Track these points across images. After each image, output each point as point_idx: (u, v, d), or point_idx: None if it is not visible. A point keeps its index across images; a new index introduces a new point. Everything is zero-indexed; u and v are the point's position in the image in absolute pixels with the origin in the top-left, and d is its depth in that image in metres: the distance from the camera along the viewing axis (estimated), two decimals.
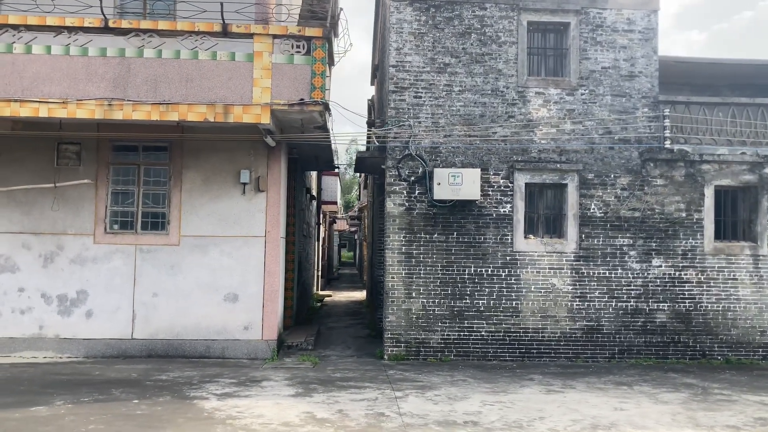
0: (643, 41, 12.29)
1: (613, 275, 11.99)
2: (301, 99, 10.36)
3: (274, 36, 10.49)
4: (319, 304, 21.69)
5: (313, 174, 21.54)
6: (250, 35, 10.46)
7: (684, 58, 14.03)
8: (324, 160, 15.88)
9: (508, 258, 11.93)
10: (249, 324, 11.59)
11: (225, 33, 10.42)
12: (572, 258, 11.97)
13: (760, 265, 12.13)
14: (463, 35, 12.15)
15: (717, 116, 12.41)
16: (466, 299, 11.86)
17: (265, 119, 10.35)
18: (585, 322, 11.92)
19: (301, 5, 11.92)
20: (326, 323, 17.30)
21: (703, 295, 12.06)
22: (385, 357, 11.75)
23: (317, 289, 25.81)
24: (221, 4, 10.27)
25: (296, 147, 13.26)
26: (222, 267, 11.62)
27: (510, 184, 12.01)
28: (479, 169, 11.81)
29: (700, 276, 12.07)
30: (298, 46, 10.50)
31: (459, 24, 12.15)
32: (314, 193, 21.20)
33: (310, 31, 10.56)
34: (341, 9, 12.07)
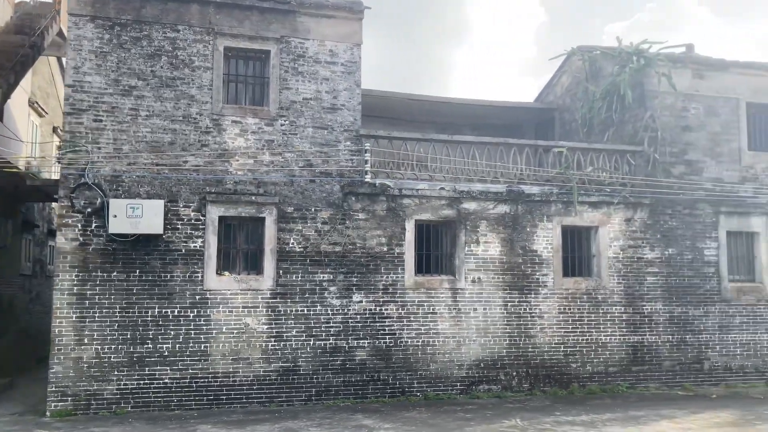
0: (345, 74, 12.16)
1: (311, 312, 11.51)
2: None
3: None
4: None
5: None
6: None
7: (384, 92, 14.28)
8: None
9: (197, 297, 11.04)
10: None
11: None
12: (269, 295, 11.34)
13: (458, 299, 12.25)
14: (152, 57, 11.28)
15: (419, 152, 12.53)
16: (148, 344, 10.77)
17: None
18: (281, 364, 11.28)
19: None
20: None
21: (403, 330, 11.93)
22: (48, 414, 10.29)
23: None
24: None
25: None
26: None
27: (202, 218, 11.20)
28: (163, 201, 10.90)
29: (400, 311, 11.94)
30: None
31: (148, 45, 11.28)
32: None
33: None
34: None
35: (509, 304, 12.50)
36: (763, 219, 14.05)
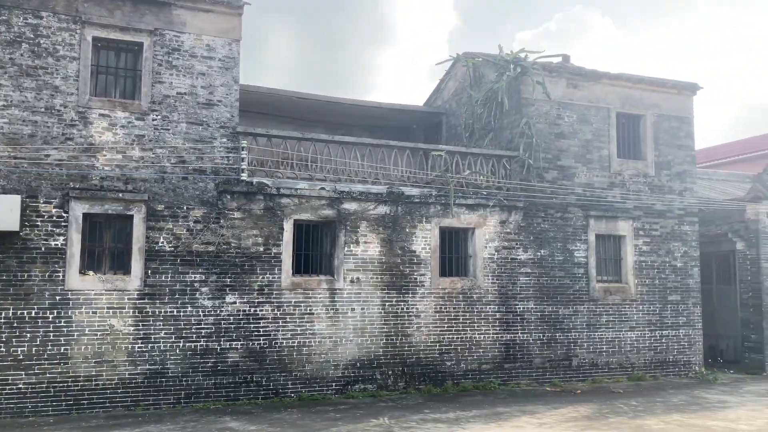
0: (223, 69, 11.93)
1: (182, 313, 11.21)
2: None
3: None
4: None
5: None
6: None
7: (271, 89, 14.19)
8: None
9: (58, 298, 10.52)
10: None
11: None
12: (136, 296, 10.95)
13: (336, 299, 12.28)
14: (11, 44, 10.66)
15: (299, 151, 12.47)
16: (1, 347, 10.15)
17: None
18: (148, 366, 10.93)
19: None
20: None
21: (278, 331, 11.83)
22: None
23: None
24: None
25: None
26: None
27: (65, 214, 10.68)
28: (20, 196, 10.31)
29: (276, 312, 11.84)
30: None
31: (7, 31, 10.65)
32: None
33: None
34: None
35: (387, 303, 12.66)
36: (630, 223, 14.90)
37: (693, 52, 65.05)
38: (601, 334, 14.38)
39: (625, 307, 14.69)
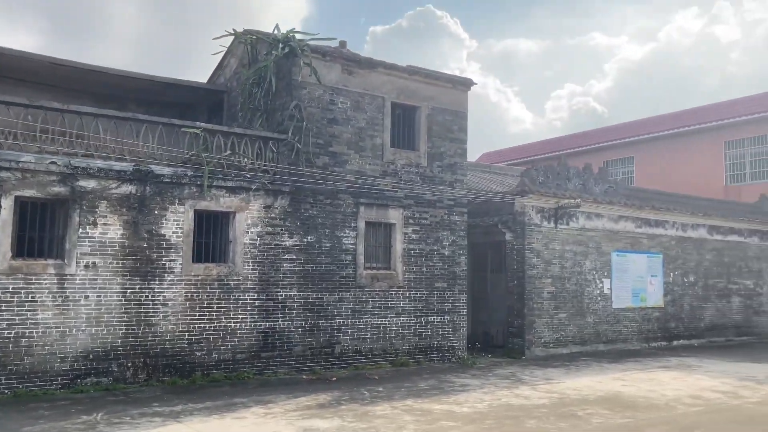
0: None
1: None
2: None
3: None
4: None
5: None
6: None
7: (24, 53, 12.74)
8: None
9: None
10: None
11: None
12: None
13: (66, 285, 11.16)
14: None
15: (27, 120, 11.16)
16: None
17: None
18: None
19: None
20: None
21: None
22: None
23: None
24: None
25: None
26: None
27: None
28: None
29: None
30: None
31: None
32: None
33: None
34: None
35: (129, 291, 11.73)
36: (400, 211, 15.09)
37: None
38: (366, 321, 14.44)
39: (392, 294, 14.87)
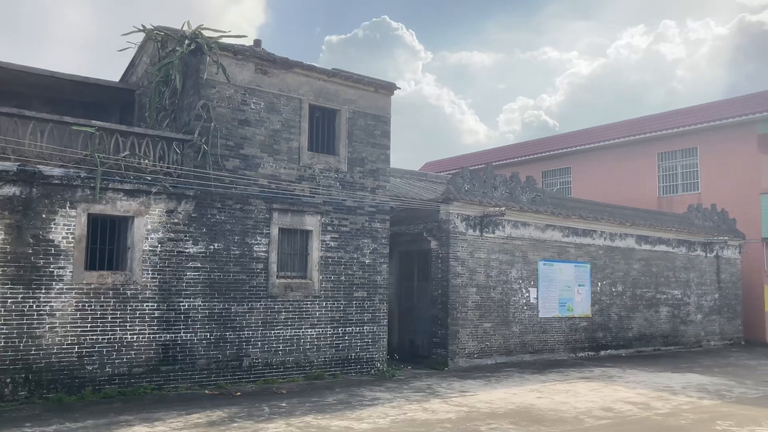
0: None
1: None
2: None
3: None
4: None
5: None
6: None
7: None
8: None
9: None
10: None
11: None
12: None
13: None
14: None
15: None
16: None
17: None
18: None
19: None
20: None
21: None
22: None
23: None
24: None
25: None
26: None
27: None
28: None
29: None
30: None
31: None
32: None
33: None
34: None
35: (10, 300, 10.85)
36: (317, 218, 14.53)
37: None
38: (278, 333, 13.80)
39: (307, 304, 14.28)
